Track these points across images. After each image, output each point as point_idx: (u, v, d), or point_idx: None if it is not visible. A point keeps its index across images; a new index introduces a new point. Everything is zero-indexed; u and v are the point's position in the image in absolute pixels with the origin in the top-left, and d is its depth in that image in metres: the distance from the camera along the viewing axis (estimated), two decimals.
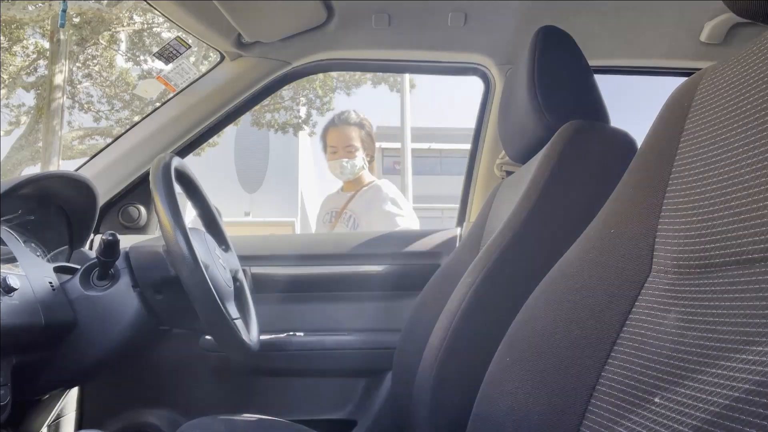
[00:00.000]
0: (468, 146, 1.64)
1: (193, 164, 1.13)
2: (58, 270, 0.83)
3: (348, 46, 1.40)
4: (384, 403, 1.33)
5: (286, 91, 9.42)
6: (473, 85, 1.61)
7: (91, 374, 0.84)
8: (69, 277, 0.82)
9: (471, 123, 1.63)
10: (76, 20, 7.20)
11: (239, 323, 0.86)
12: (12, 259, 0.72)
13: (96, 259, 0.82)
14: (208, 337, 1.21)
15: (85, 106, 8.49)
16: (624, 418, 0.50)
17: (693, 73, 0.62)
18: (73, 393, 1.19)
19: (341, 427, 1.33)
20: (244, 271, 1.13)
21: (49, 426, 1.00)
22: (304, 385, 1.36)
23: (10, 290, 0.65)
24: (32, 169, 7.84)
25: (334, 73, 9.66)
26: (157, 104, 1.40)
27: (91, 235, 1.16)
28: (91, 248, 1.18)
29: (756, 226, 0.45)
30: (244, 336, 0.84)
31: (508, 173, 1.34)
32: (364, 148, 2.01)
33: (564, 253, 0.72)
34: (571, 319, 0.61)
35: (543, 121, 0.93)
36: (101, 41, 7.66)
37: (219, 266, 0.90)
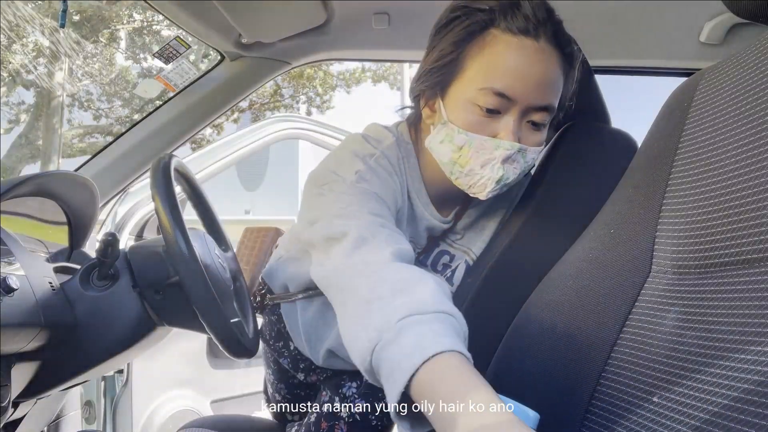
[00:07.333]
0: None
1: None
2: (58, 270, 0.83)
3: (348, 46, 1.39)
4: None
5: (286, 90, 9.40)
6: None
7: (91, 374, 0.84)
8: (69, 277, 0.82)
9: None
10: (76, 18, 7.18)
11: (239, 324, 0.86)
12: (12, 260, 0.72)
13: (96, 259, 0.82)
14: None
15: (85, 104, 8.47)
16: (624, 417, 0.51)
17: (693, 73, 0.62)
18: (74, 393, 1.19)
19: None
20: None
21: (49, 426, 1.00)
22: None
23: (9, 290, 0.65)
24: (32, 168, 7.82)
25: (334, 72, 9.65)
26: (158, 103, 1.40)
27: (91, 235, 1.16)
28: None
29: (756, 226, 0.45)
30: (244, 337, 0.84)
31: None
32: None
33: (564, 253, 0.72)
34: (571, 319, 0.61)
35: None
36: (101, 39, 7.65)
37: (219, 266, 0.90)
